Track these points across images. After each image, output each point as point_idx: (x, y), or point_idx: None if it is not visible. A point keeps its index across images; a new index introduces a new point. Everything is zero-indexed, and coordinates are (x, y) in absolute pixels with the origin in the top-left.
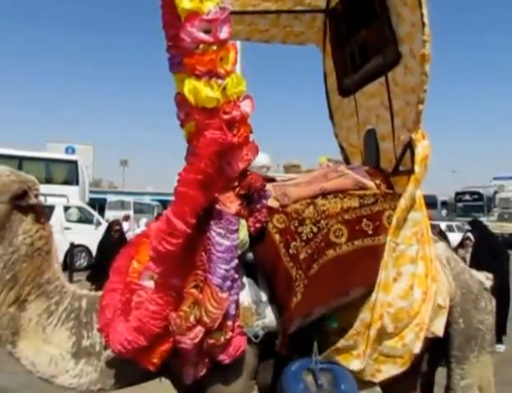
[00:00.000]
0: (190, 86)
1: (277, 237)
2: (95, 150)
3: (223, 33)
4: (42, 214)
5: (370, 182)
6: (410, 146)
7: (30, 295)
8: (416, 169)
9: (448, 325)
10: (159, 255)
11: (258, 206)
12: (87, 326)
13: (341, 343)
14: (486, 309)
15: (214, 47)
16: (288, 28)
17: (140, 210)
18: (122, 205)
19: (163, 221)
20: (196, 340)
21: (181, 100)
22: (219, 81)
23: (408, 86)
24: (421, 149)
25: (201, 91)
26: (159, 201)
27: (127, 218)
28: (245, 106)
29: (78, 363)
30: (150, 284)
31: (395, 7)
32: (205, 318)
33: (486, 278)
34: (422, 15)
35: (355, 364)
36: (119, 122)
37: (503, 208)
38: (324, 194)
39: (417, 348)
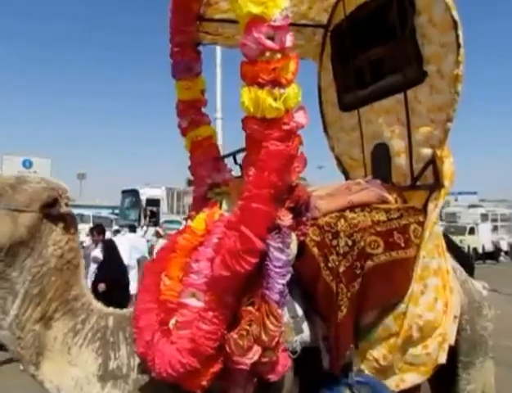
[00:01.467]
0: (251, 95)
1: (316, 250)
2: (52, 163)
3: (288, 41)
4: (72, 224)
5: (389, 196)
6: (432, 162)
7: (57, 312)
8: (446, 183)
9: (456, 333)
10: (235, 274)
11: (304, 219)
12: (114, 346)
13: (381, 355)
14: (487, 317)
15: (278, 56)
16: None
17: (99, 223)
18: (81, 218)
19: (234, 238)
20: (254, 359)
21: (183, 108)
22: (281, 90)
23: (434, 104)
24: (449, 165)
25: (264, 100)
26: (116, 214)
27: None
28: (299, 116)
29: (104, 387)
30: (194, 302)
31: (421, 28)
32: (264, 337)
33: (483, 287)
34: (457, 36)
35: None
36: (77, 135)
37: (448, 222)
38: (351, 207)
39: (442, 359)
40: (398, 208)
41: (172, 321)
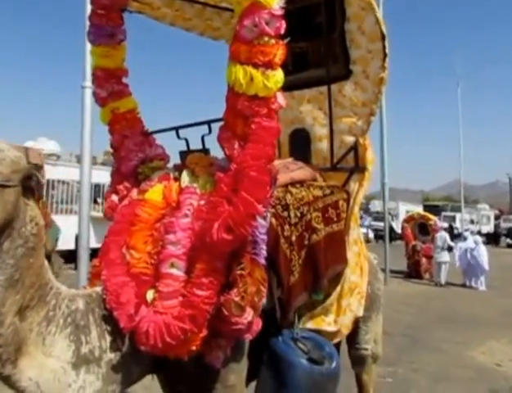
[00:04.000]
0: (246, 73)
1: (274, 220)
2: None
3: (282, 29)
4: (39, 196)
5: (318, 175)
6: (354, 148)
7: (33, 300)
8: (370, 167)
9: None
10: (237, 236)
11: (272, 191)
12: (85, 330)
13: (318, 311)
14: (380, 280)
15: (273, 41)
16: (209, 21)
17: None
18: None
19: (234, 204)
20: (249, 319)
21: (102, 77)
22: (272, 73)
23: (358, 100)
24: (371, 152)
25: (259, 80)
26: None
27: None
28: (279, 98)
29: (78, 374)
30: (176, 272)
31: (350, 33)
32: (256, 298)
33: (374, 258)
34: (384, 47)
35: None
36: None
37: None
38: (292, 183)
39: (360, 312)
40: (327, 185)
41: (150, 294)
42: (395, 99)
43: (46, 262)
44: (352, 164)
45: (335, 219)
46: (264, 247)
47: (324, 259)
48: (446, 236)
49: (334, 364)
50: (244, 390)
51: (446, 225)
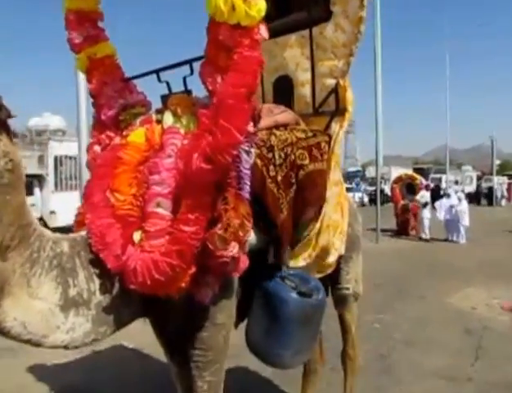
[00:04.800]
0: (225, 0)
1: (258, 161)
2: None
3: None
4: (13, 132)
5: (300, 119)
6: (335, 91)
7: (14, 239)
8: (349, 108)
9: None
10: (217, 166)
11: (255, 129)
12: (72, 273)
13: (298, 249)
14: (360, 222)
15: None
16: None
17: None
18: None
19: (214, 133)
20: (234, 253)
21: (76, 20)
22: (255, 1)
23: (338, 41)
24: (350, 93)
25: (241, 8)
26: None
27: None
28: (262, 30)
29: (67, 317)
30: (162, 211)
31: None
32: (240, 233)
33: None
34: None
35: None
36: None
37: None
38: (276, 126)
39: (343, 250)
40: (310, 129)
41: (137, 235)
42: (388, 72)
43: (27, 203)
44: (333, 107)
45: (319, 158)
46: (248, 183)
47: (309, 195)
48: (427, 194)
49: (320, 296)
50: (232, 328)
51: (432, 185)
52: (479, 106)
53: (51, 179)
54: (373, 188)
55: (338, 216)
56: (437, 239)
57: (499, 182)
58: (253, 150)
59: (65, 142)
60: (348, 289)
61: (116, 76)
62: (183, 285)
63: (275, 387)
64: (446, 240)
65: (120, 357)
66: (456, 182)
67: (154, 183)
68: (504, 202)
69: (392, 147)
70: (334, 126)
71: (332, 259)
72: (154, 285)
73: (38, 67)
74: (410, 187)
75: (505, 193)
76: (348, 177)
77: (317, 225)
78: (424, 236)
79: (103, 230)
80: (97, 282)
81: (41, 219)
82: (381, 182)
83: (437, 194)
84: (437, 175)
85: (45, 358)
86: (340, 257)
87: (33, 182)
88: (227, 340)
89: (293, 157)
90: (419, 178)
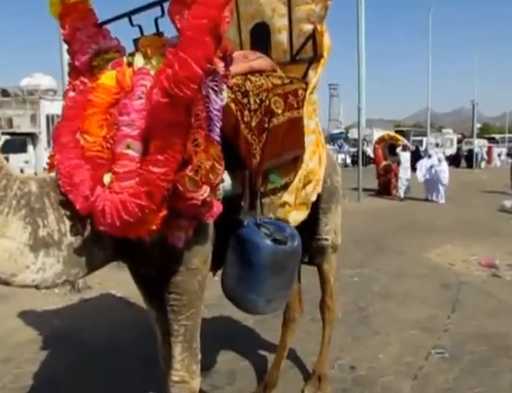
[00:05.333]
0: None
1: (233, 105)
2: None
3: None
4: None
5: (276, 67)
6: (312, 36)
7: None
8: (325, 54)
9: None
10: (173, 100)
11: (228, 72)
12: (41, 213)
13: (284, 198)
14: (339, 173)
15: None
16: None
17: None
18: None
19: (171, 65)
20: (205, 196)
21: None
22: None
23: None
24: (327, 39)
25: None
26: None
27: None
28: None
29: (37, 257)
30: (132, 153)
31: None
32: (211, 176)
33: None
34: None
35: (293, 215)
36: None
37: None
38: (251, 72)
39: (314, 197)
40: (287, 76)
41: (107, 177)
42: (372, 35)
43: None
44: (310, 54)
45: (295, 105)
46: (218, 125)
47: (283, 142)
48: (404, 153)
49: (295, 243)
50: (208, 274)
51: (412, 147)
52: (461, 70)
53: (43, 137)
54: (355, 150)
55: (314, 164)
56: (417, 199)
57: (479, 145)
58: (224, 92)
59: (56, 101)
60: (326, 240)
61: (89, 21)
62: (154, 227)
63: (257, 335)
64: (426, 200)
65: (108, 305)
66: (437, 145)
67: (124, 125)
68: (483, 164)
69: (374, 112)
70: (311, 73)
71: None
72: (123, 226)
73: (30, 28)
74: (393, 148)
75: (485, 156)
76: (332, 138)
77: (299, 173)
78: (397, 194)
79: (71, 170)
80: (68, 223)
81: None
82: (363, 144)
83: (417, 155)
84: (418, 138)
85: (35, 304)
86: (319, 208)
87: (27, 140)
88: (203, 285)
89: (268, 103)
90: (402, 139)
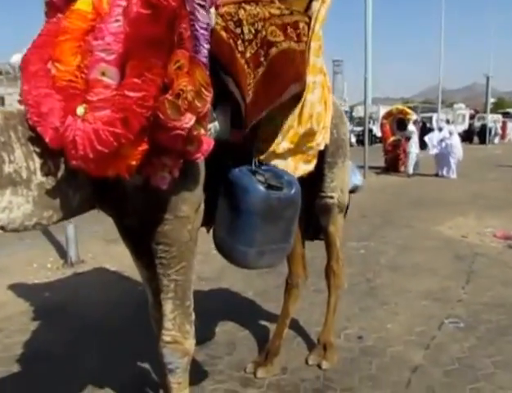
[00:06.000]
0: None
1: (224, 33)
2: None
3: None
4: None
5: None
6: None
7: None
8: None
9: None
10: (155, 12)
11: None
12: (7, 147)
13: (286, 144)
14: (346, 125)
15: None
16: None
17: None
18: None
19: None
20: (190, 125)
21: None
22: None
23: None
24: None
25: None
26: None
27: None
28: None
29: (3, 195)
30: (108, 80)
31: None
32: (198, 103)
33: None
34: None
35: (297, 165)
36: None
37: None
38: (246, 1)
39: (322, 146)
40: (286, 7)
41: (80, 109)
42: (380, 12)
43: None
44: None
45: (295, 38)
46: (206, 46)
47: (281, 76)
48: (413, 127)
49: (293, 190)
50: (199, 224)
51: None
52: (473, 44)
53: None
54: (361, 128)
55: (321, 108)
56: (427, 175)
57: (493, 120)
58: (213, 15)
59: None
60: (332, 198)
61: None
62: (134, 163)
63: (257, 307)
64: (436, 175)
65: (102, 279)
66: (448, 122)
67: (98, 49)
68: (497, 140)
69: (381, 91)
70: (316, 4)
71: (312, 151)
72: (97, 159)
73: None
74: (402, 123)
75: (499, 130)
76: None
77: (297, 111)
78: (405, 170)
79: (40, 100)
80: (38, 160)
81: None
82: (369, 122)
83: (424, 133)
84: (428, 114)
85: (27, 278)
86: (324, 163)
87: None
88: (194, 237)
89: (264, 33)
90: (411, 113)
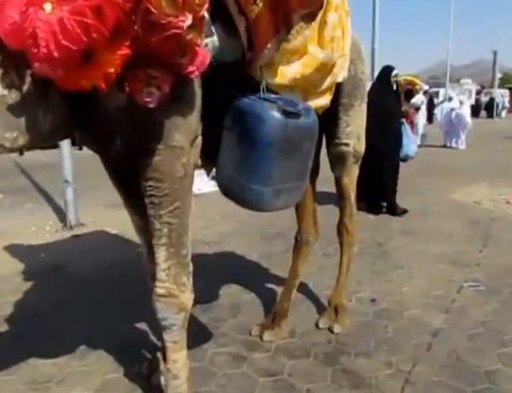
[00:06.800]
0: None
1: None
2: None
3: None
4: None
5: None
6: None
7: None
8: None
9: None
10: None
11: None
12: None
13: (298, 68)
14: (365, 62)
15: None
16: None
17: None
18: None
19: None
20: (188, 24)
21: None
22: None
23: None
24: None
25: None
26: None
27: None
28: None
29: None
30: None
31: None
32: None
33: None
34: None
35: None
36: None
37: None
38: None
39: (341, 77)
40: None
41: (48, 5)
42: None
43: None
44: None
45: None
46: None
47: None
48: (423, 97)
49: (311, 118)
50: (196, 161)
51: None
52: (480, 20)
53: None
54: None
55: (339, 32)
56: (435, 146)
57: (500, 94)
58: None
59: None
60: (347, 145)
61: None
62: (111, 70)
63: (262, 270)
64: (444, 146)
65: (102, 242)
66: None
67: None
68: (504, 114)
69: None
70: None
71: (325, 85)
72: (65, 62)
73: None
74: (410, 94)
75: (507, 104)
76: None
77: (313, 32)
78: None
79: None
80: None
81: None
82: None
83: (430, 106)
84: (434, 89)
85: (24, 240)
86: (339, 104)
87: None
88: (189, 173)
89: None
90: (420, 83)
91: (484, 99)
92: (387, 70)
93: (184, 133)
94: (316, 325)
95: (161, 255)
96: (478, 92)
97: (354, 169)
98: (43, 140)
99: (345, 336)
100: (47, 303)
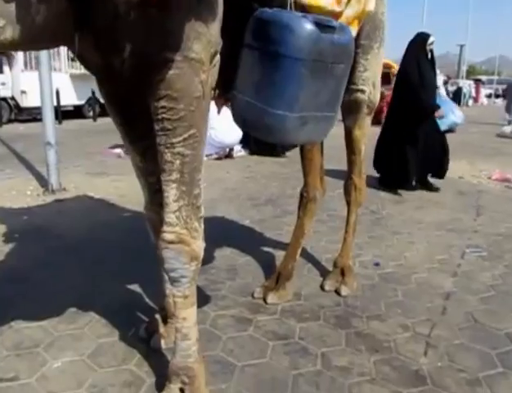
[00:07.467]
0: None
1: None
2: None
3: None
4: None
5: None
6: None
7: None
8: None
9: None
10: None
11: None
12: None
13: None
14: (385, 2)
15: None
16: None
17: None
18: None
19: None
20: None
21: None
22: None
23: None
24: None
25: None
26: None
27: None
28: None
29: None
30: None
31: None
32: None
33: None
34: None
35: None
36: None
37: None
38: None
39: (371, 6)
40: None
41: None
42: None
43: None
44: None
45: None
46: None
47: None
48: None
49: (347, 36)
50: (214, 83)
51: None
52: (447, 14)
53: (20, 59)
54: None
55: None
56: None
57: (468, 84)
58: None
59: None
60: (363, 92)
61: None
62: None
63: (257, 234)
64: None
65: (85, 205)
66: None
67: None
68: (471, 102)
69: None
70: None
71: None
72: None
73: None
74: (386, 76)
75: (473, 93)
76: None
77: None
78: None
79: None
80: None
81: (12, 98)
82: None
83: None
84: None
85: (4, 204)
86: (357, 46)
87: (1, 59)
88: (207, 96)
89: None
90: (395, 66)
91: (451, 89)
92: (422, 37)
93: (204, 44)
94: (321, 287)
95: (171, 193)
96: (445, 83)
97: (367, 120)
98: (34, 38)
99: (353, 299)
100: (32, 264)
